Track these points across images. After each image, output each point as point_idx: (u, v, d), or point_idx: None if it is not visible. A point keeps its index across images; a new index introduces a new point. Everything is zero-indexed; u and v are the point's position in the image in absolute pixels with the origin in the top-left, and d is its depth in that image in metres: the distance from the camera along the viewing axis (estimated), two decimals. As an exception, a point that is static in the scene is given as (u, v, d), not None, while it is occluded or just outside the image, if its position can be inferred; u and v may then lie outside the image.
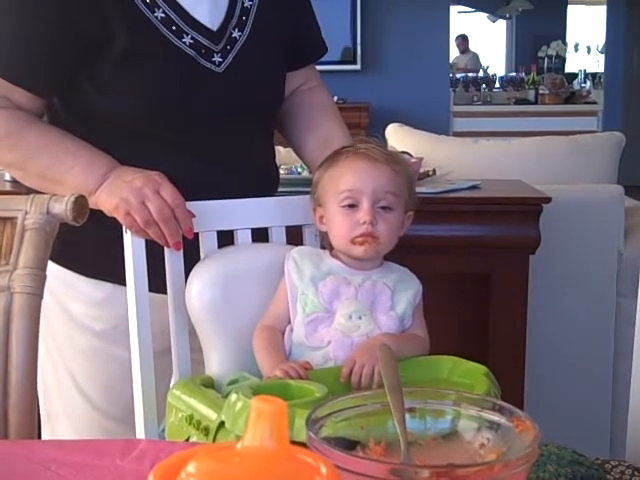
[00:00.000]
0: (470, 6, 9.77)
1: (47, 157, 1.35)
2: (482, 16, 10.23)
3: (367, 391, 0.96)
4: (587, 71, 9.07)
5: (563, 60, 9.42)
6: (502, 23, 10.34)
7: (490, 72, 9.46)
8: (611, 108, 7.96)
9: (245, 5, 1.44)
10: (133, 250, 1.31)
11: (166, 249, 1.31)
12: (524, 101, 8.11)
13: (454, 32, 8.51)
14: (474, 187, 2.24)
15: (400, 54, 6.54)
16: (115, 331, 1.44)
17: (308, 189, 1.35)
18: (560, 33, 9.72)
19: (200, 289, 1.30)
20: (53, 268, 1.38)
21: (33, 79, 1.36)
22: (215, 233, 1.36)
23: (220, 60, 1.39)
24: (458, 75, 8.88)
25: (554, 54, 9.25)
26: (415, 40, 6.55)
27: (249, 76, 1.42)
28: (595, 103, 7.92)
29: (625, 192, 2.38)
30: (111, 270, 1.39)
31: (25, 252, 1.09)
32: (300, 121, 1.55)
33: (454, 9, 8.28)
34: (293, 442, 0.54)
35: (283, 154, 2.19)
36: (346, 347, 1.22)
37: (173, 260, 1.32)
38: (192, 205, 1.30)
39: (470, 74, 9.14)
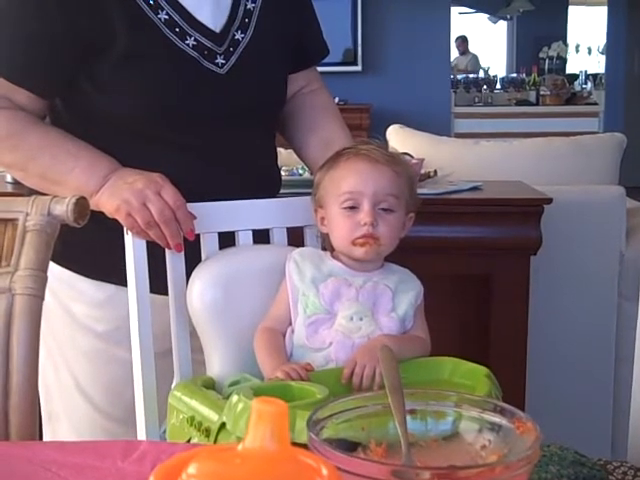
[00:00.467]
0: (471, 7, 9.78)
1: (48, 158, 1.35)
2: (483, 17, 10.24)
3: (368, 392, 0.96)
4: (588, 72, 9.08)
5: (564, 61, 9.42)
6: (503, 24, 10.34)
7: (491, 73, 9.47)
8: (612, 109, 7.96)
9: (248, 7, 1.44)
10: (134, 251, 1.31)
11: (167, 250, 1.31)
12: (525, 102, 8.12)
13: (455, 33, 8.51)
14: (475, 188, 2.24)
15: (401, 55, 6.54)
16: (117, 332, 1.44)
17: (309, 190, 1.35)
18: (561, 34, 9.72)
19: (201, 290, 1.30)
20: (55, 269, 1.39)
21: (34, 79, 1.36)
22: (216, 234, 1.36)
23: (223, 62, 1.39)
24: (459, 76, 8.88)
25: (555, 55, 9.26)
26: (416, 41, 6.55)
27: (252, 78, 1.43)
28: (596, 104, 7.92)
29: (626, 193, 2.38)
30: (113, 271, 1.39)
31: (26, 253, 1.09)
32: (302, 123, 1.55)
33: (455, 10, 8.28)
34: (294, 443, 0.54)
35: (284, 155, 2.19)
36: (347, 348, 1.22)
37: (174, 261, 1.32)
38: (193, 206, 1.30)
39: (471, 75, 9.14)
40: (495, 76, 9.23)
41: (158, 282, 1.32)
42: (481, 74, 9.46)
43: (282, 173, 1.64)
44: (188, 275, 1.32)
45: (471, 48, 9.91)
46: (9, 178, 2.16)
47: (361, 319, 1.24)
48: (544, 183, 2.29)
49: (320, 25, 1.60)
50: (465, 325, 2.19)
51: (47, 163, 1.35)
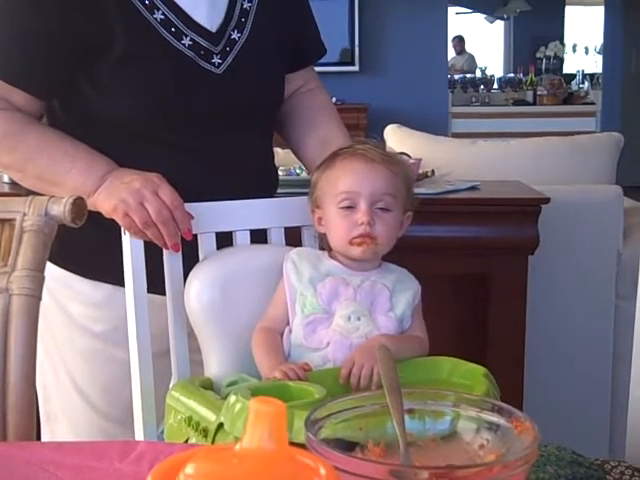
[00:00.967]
0: (468, 7, 9.78)
1: (45, 159, 1.35)
2: (480, 17, 10.24)
3: (366, 392, 0.96)
4: (585, 72, 9.08)
5: (561, 61, 9.43)
6: (500, 24, 10.35)
7: (488, 73, 9.47)
8: (609, 109, 7.97)
9: (244, 7, 1.44)
10: (132, 251, 1.31)
11: (165, 250, 1.31)
12: (522, 102, 8.12)
13: (452, 33, 8.52)
14: (473, 188, 2.24)
15: (398, 55, 6.54)
16: (115, 332, 1.44)
17: (307, 190, 1.35)
18: (558, 34, 9.72)
19: (199, 290, 1.30)
20: (52, 269, 1.38)
21: (31, 80, 1.36)
22: (214, 234, 1.36)
23: (219, 61, 1.39)
24: (456, 76, 8.89)
25: (552, 55, 9.26)
26: (413, 41, 6.55)
27: (248, 77, 1.42)
28: (593, 104, 7.93)
29: (624, 192, 2.38)
30: (110, 271, 1.39)
31: (23, 254, 1.09)
32: (299, 123, 1.55)
33: (452, 10, 8.29)
34: (292, 443, 0.54)
35: (281, 155, 2.19)
36: (345, 348, 1.22)
37: (172, 261, 1.32)
38: (191, 206, 1.30)
39: (468, 75, 9.15)
40: (492, 76, 9.23)
41: (156, 282, 1.32)
42: (478, 74, 9.46)
43: (279, 173, 1.64)
44: (185, 275, 1.32)
45: (468, 48, 9.91)
46: (6, 178, 2.15)
47: (359, 319, 1.24)
48: (542, 183, 2.29)
49: (317, 25, 1.60)
50: (463, 325, 2.19)
51: (44, 164, 1.35)
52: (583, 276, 2.35)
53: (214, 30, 1.40)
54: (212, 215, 1.35)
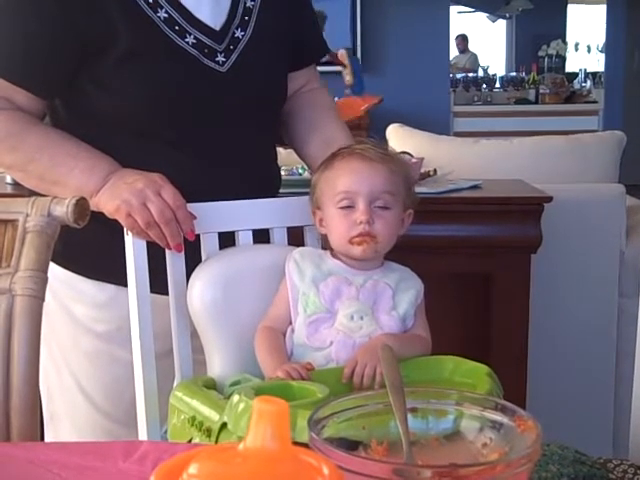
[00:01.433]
0: (470, 6, 9.77)
1: (48, 159, 1.35)
2: (482, 16, 10.23)
3: (369, 391, 0.96)
4: (587, 70, 9.07)
5: (563, 59, 9.42)
6: (502, 23, 10.34)
7: (490, 72, 9.46)
8: (611, 107, 7.96)
9: (247, 5, 1.44)
10: (134, 252, 1.31)
11: (167, 251, 1.31)
12: (524, 101, 8.11)
13: (454, 32, 8.51)
14: (475, 187, 2.24)
15: (400, 54, 6.54)
16: (118, 333, 1.44)
17: (309, 190, 1.35)
18: (560, 32, 9.71)
19: (202, 290, 1.30)
20: (56, 270, 1.39)
21: (33, 79, 1.36)
22: (216, 234, 1.36)
23: (223, 60, 1.39)
24: (458, 75, 8.88)
25: (554, 53, 9.25)
26: (415, 40, 6.55)
27: (252, 76, 1.43)
28: (595, 102, 7.92)
29: (626, 191, 2.38)
30: (113, 272, 1.39)
31: (26, 254, 1.09)
32: (302, 122, 1.55)
33: (454, 9, 8.28)
34: (295, 443, 0.54)
35: (284, 155, 2.19)
36: (348, 348, 1.22)
37: (175, 261, 1.32)
38: (193, 207, 1.30)
39: (470, 74, 9.14)
40: (494, 75, 9.22)
41: (158, 282, 1.32)
42: (480, 73, 9.45)
43: (282, 173, 1.64)
44: (188, 275, 1.32)
45: (470, 47, 9.90)
46: (9, 179, 2.16)
47: (362, 318, 1.24)
48: (544, 181, 2.28)
49: (318, 24, 1.60)
50: (466, 324, 2.19)
51: (47, 164, 1.35)
52: (586, 275, 2.35)
53: (217, 28, 1.40)
54: (215, 215, 1.35)
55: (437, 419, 0.76)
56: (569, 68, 9.39)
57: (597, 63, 9.44)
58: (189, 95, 1.37)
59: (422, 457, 0.72)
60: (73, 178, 1.33)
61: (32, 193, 1.34)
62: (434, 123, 5.19)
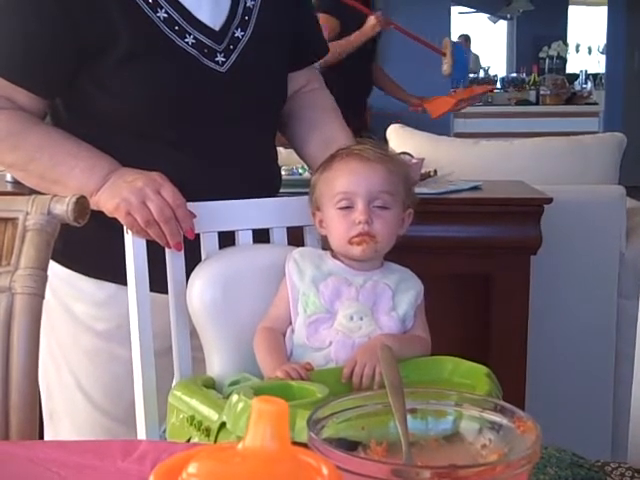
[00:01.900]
0: (471, 7, 9.77)
1: (48, 158, 1.35)
2: (483, 17, 10.23)
3: (368, 392, 0.96)
4: (588, 72, 9.08)
5: (564, 61, 9.42)
6: (503, 24, 10.34)
7: (491, 73, 9.46)
8: (612, 109, 7.96)
9: (247, 5, 1.44)
10: (134, 250, 1.31)
11: (167, 250, 1.31)
12: (525, 102, 8.11)
13: (455, 33, 8.51)
14: (475, 188, 2.24)
15: (401, 55, 6.54)
16: (118, 331, 1.44)
17: (309, 190, 1.35)
18: (561, 34, 9.71)
19: (201, 290, 1.30)
20: (55, 268, 1.39)
21: (34, 79, 1.36)
22: (216, 234, 1.36)
23: (223, 60, 1.39)
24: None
25: (555, 55, 9.26)
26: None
27: (252, 76, 1.43)
28: (596, 104, 7.92)
29: (626, 193, 2.38)
30: (113, 270, 1.39)
31: (26, 253, 1.09)
32: (302, 122, 1.55)
33: (455, 10, 8.29)
34: (294, 443, 0.54)
35: (284, 155, 2.19)
36: (347, 348, 1.22)
37: (174, 260, 1.32)
38: (193, 206, 1.30)
39: (471, 75, 9.14)
40: (495, 76, 9.23)
41: (158, 281, 1.32)
42: (481, 74, 9.45)
43: (282, 172, 1.64)
44: (188, 274, 1.32)
45: (471, 48, 9.90)
46: (9, 177, 2.16)
47: (361, 318, 1.24)
48: (544, 183, 2.28)
49: (319, 23, 1.60)
50: (465, 325, 2.19)
51: (47, 163, 1.35)
52: (586, 276, 2.35)
53: (217, 28, 1.40)
54: (214, 214, 1.35)
55: (436, 420, 0.76)
56: (570, 69, 9.40)
57: (598, 64, 9.45)
58: (189, 95, 1.37)
59: (421, 458, 0.72)
60: (73, 177, 1.33)
61: (32, 191, 1.34)
62: (434, 124, 5.18)
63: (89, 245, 1.42)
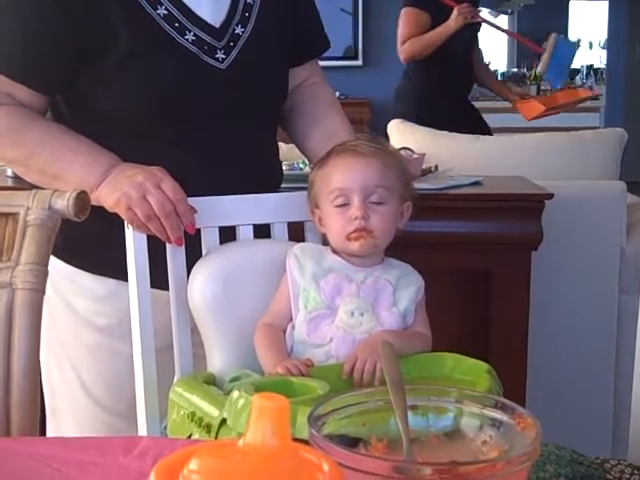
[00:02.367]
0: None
1: (48, 153, 1.35)
2: (484, 11, 10.21)
3: (369, 388, 0.96)
4: (589, 66, 9.06)
5: (565, 56, 9.39)
6: (504, 18, 10.31)
7: (492, 68, 9.44)
8: (613, 104, 7.95)
9: (248, 1, 1.44)
10: (135, 246, 1.31)
11: (168, 245, 1.31)
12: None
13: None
14: (476, 183, 2.23)
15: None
16: (119, 327, 1.44)
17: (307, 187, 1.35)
18: (562, 28, 9.69)
19: (202, 285, 1.30)
20: (56, 264, 1.39)
21: (34, 77, 1.35)
22: (217, 229, 1.36)
23: (223, 57, 1.39)
24: (460, 71, 8.85)
25: (556, 50, 9.22)
26: (417, 36, 6.52)
27: (252, 72, 1.42)
28: (597, 99, 7.91)
29: (627, 188, 2.38)
30: (113, 266, 1.39)
31: (27, 248, 1.09)
32: (304, 116, 1.55)
33: (456, 4, 8.24)
34: (295, 439, 0.54)
35: (285, 150, 2.18)
36: (348, 344, 1.22)
37: (175, 256, 1.32)
38: (194, 201, 1.30)
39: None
40: (496, 70, 9.20)
41: (159, 277, 1.32)
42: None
43: (283, 167, 1.63)
44: (189, 270, 1.32)
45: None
46: (9, 172, 2.15)
47: (362, 314, 1.24)
48: (545, 178, 2.28)
49: (320, 18, 1.60)
50: (466, 321, 2.18)
51: (47, 158, 1.35)
52: (586, 271, 2.35)
53: (217, 25, 1.40)
54: (215, 210, 1.35)
55: (437, 416, 0.76)
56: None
57: (599, 59, 9.43)
58: (189, 93, 1.37)
59: (422, 454, 0.72)
60: (74, 172, 1.33)
61: (33, 186, 1.34)
62: (435, 119, 5.17)
63: (90, 241, 1.42)
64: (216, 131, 1.40)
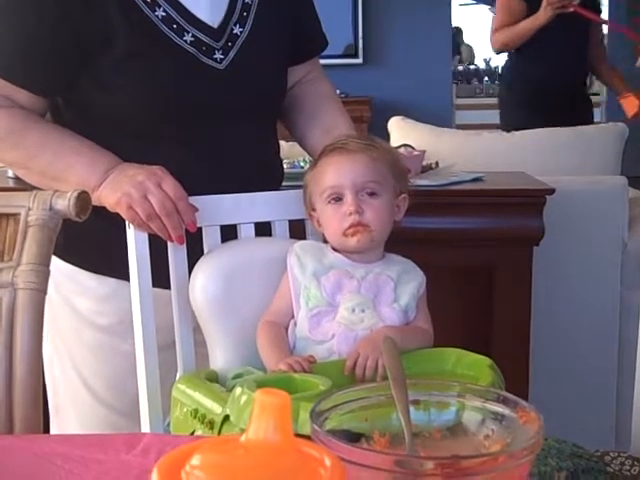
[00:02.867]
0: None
1: (49, 155, 1.35)
2: (484, 8, 10.20)
3: (371, 383, 0.96)
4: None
5: (566, 51, 9.37)
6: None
7: (492, 64, 9.43)
8: (614, 99, 7.93)
9: (246, 1, 1.44)
10: (136, 245, 1.31)
11: (169, 244, 1.31)
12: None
13: (455, 25, 8.48)
14: (477, 179, 2.23)
15: (402, 47, 6.52)
16: (120, 326, 1.44)
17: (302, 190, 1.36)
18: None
19: (204, 284, 1.30)
20: (58, 263, 1.39)
21: (33, 79, 1.36)
22: (218, 228, 1.36)
23: (222, 57, 1.39)
24: (460, 67, 8.86)
25: (556, 45, 9.21)
26: (417, 33, 6.52)
27: (251, 72, 1.42)
28: (598, 94, 7.90)
29: (629, 183, 2.38)
30: (115, 265, 1.39)
31: (28, 248, 1.09)
32: (303, 112, 1.55)
33: (455, 1, 8.24)
34: (297, 435, 0.54)
35: (285, 148, 2.19)
36: (350, 340, 1.23)
37: (176, 255, 1.32)
38: (195, 199, 1.30)
39: (472, 66, 9.11)
40: (496, 67, 9.19)
41: (161, 276, 1.32)
42: (482, 65, 9.42)
43: (284, 165, 1.64)
44: (190, 269, 1.32)
45: (472, 39, 9.87)
46: (10, 173, 2.15)
47: (363, 311, 1.25)
48: (546, 174, 2.28)
49: (318, 17, 1.60)
50: (468, 316, 2.19)
51: (48, 160, 1.35)
52: (588, 266, 2.35)
53: (216, 26, 1.40)
54: (216, 208, 1.35)
55: (439, 411, 0.76)
56: (571, 60, 9.34)
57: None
58: (188, 93, 1.37)
59: (424, 449, 0.72)
60: (74, 173, 1.33)
61: (34, 187, 1.34)
62: (436, 116, 5.18)
63: (91, 240, 1.42)
64: (216, 131, 1.40)
